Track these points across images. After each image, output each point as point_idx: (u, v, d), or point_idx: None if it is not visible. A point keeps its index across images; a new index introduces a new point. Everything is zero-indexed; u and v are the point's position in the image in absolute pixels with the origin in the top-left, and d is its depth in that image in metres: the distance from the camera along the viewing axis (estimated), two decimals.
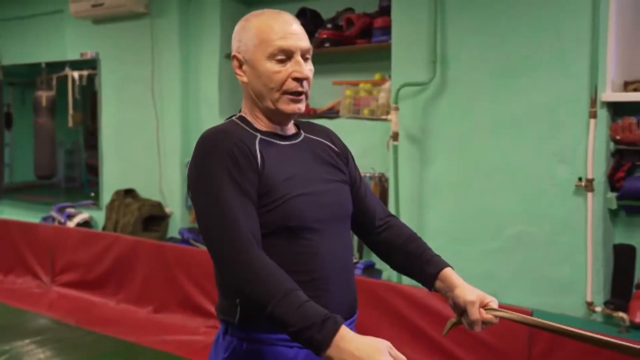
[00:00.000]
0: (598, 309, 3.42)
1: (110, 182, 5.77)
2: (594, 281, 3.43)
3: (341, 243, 1.65)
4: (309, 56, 1.59)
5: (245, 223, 1.44)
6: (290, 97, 1.54)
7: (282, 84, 1.52)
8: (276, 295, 1.36)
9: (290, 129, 1.67)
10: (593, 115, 3.37)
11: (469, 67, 3.82)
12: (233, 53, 1.61)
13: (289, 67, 1.52)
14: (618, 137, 3.35)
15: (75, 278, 5.37)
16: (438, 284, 1.67)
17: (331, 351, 1.32)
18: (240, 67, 1.59)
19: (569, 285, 3.51)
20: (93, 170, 6.61)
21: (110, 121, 5.76)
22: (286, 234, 1.52)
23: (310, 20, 4.59)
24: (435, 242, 3.81)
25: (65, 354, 4.12)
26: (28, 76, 6.84)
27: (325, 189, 1.63)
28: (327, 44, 4.42)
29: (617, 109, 3.43)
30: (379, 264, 4.25)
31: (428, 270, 1.69)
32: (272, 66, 1.52)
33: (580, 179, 3.43)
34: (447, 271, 1.68)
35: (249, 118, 1.62)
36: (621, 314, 3.31)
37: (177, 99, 5.24)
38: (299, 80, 1.53)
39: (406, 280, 3.95)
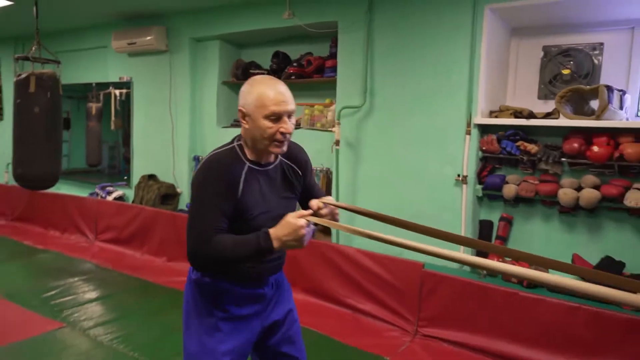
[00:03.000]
0: None
1: (138, 169, 5.76)
2: None
3: None
4: (293, 114, 1.60)
5: (211, 227, 1.52)
6: (277, 143, 1.58)
7: (272, 136, 1.56)
8: (228, 248, 1.50)
9: (272, 158, 1.68)
10: (468, 132, 3.54)
11: (388, 97, 3.90)
12: (240, 107, 1.60)
13: (278, 125, 1.55)
14: (484, 148, 3.55)
15: (112, 236, 5.45)
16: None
17: (275, 244, 1.49)
18: (244, 117, 1.59)
19: (449, 246, 3.48)
20: (128, 161, 6.73)
21: (139, 127, 5.73)
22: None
23: (281, 59, 4.66)
24: (363, 218, 4.08)
25: (102, 288, 4.22)
26: (82, 92, 6.78)
27: (279, 205, 1.66)
28: (293, 77, 4.50)
29: (484, 129, 3.61)
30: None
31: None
32: (266, 123, 1.54)
33: (459, 176, 3.59)
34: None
35: (245, 149, 1.63)
36: None
37: (187, 113, 5.22)
38: (284, 134, 1.57)
39: (342, 242, 4.14)
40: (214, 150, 1.64)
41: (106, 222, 5.53)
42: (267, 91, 1.55)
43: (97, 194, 5.95)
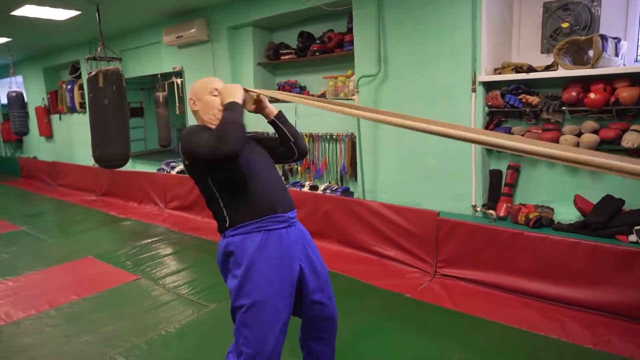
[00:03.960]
0: (479, 209, 3.57)
1: None
2: (477, 192, 3.56)
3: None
4: None
5: None
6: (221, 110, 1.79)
7: (218, 105, 1.81)
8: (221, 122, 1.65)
9: None
10: (474, 90, 3.44)
11: (400, 63, 3.83)
12: (190, 98, 1.86)
13: (218, 97, 1.82)
14: (489, 103, 3.44)
15: (178, 204, 5.71)
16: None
17: (231, 99, 1.72)
18: (194, 103, 1.85)
19: (462, 195, 3.63)
20: None
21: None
22: None
23: (306, 38, 4.62)
24: (385, 172, 4.07)
25: (171, 247, 4.48)
26: (151, 83, 7.00)
27: (258, 151, 1.94)
28: (317, 53, 4.49)
29: (489, 86, 3.49)
30: (352, 188, 4.40)
31: None
32: (211, 97, 1.82)
33: None
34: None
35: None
36: (491, 211, 3.48)
37: None
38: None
39: (368, 198, 4.23)
40: None
41: (172, 192, 5.80)
42: (205, 80, 1.88)
43: (163, 169, 6.18)
